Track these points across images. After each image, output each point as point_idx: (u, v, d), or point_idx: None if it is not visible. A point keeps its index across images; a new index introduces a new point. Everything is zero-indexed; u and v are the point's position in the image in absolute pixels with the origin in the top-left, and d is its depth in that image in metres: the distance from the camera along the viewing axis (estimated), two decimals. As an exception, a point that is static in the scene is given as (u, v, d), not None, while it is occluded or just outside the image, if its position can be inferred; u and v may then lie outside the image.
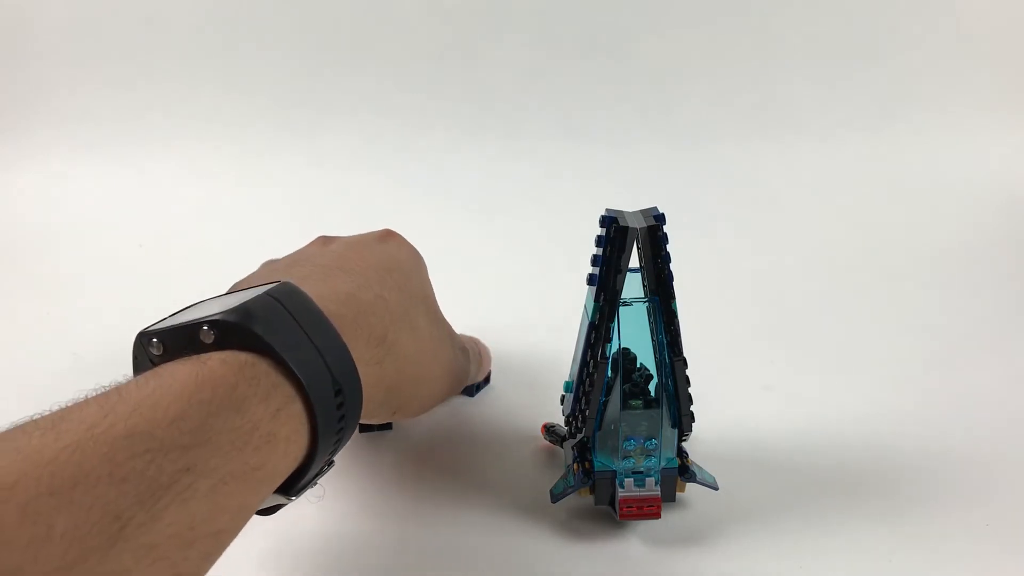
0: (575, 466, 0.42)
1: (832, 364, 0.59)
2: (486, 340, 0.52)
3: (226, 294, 0.35)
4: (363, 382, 0.33)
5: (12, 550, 0.22)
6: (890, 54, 0.91)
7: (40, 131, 0.90)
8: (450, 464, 0.46)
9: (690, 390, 0.41)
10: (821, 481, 0.46)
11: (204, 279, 0.72)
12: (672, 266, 0.39)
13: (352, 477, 0.47)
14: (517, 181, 0.87)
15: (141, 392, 0.27)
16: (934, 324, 0.64)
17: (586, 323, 0.40)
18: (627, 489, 0.41)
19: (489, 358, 0.52)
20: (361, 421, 0.35)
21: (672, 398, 0.40)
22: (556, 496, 0.42)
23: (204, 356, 0.30)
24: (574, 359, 0.43)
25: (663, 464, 0.41)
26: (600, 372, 0.39)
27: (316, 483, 0.33)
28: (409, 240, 0.45)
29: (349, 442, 0.49)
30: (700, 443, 0.48)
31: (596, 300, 0.39)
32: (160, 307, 0.70)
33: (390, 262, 0.40)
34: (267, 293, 0.31)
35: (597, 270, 0.39)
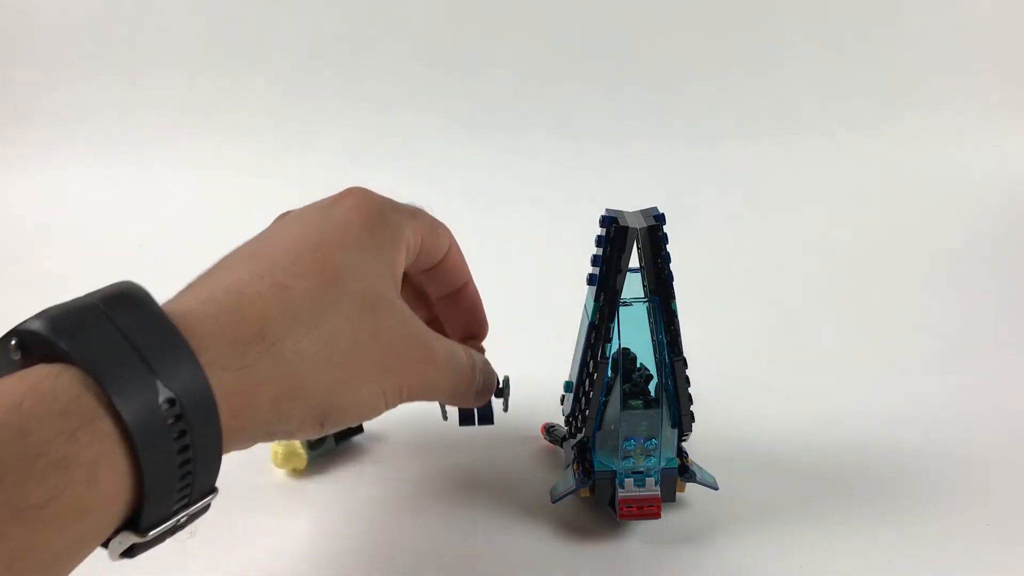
0: (575, 466, 0.42)
1: (832, 364, 0.59)
2: (486, 340, 0.52)
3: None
4: (224, 391, 0.28)
5: None
6: (890, 54, 0.91)
7: (40, 131, 0.90)
8: (450, 464, 0.46)
9: (690, 390, 0.41)
10: (821, 481, 0.46)
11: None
12: (672, 266, 0.39)
13: (351, 478, 0.47)
14: (517, 181, 0.87)
15: None
16: (934, 324, 0.64)
17: (586, 323, 0.40)
18: (627, 489, 0.41)
19: (492, 379, 0.43)
20: (278, 438, 0.32)
21: (672, 398, 0.40)
22: (556, 496, 0.42)
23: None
24: (574, 359, 0.42)
25: (663, 464, 0.41)
26: (600, 372, 0.39)
27: (185, 519, 0.28)
28: (382, 194, 0.39)
29: (349, 443, 0.49)
30: (700, 443, 0.48)
31: (596, 300, 0.39)
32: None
33: (321, 234, 0.34)
34: (90, 295, 0.28)
35: (597, 270, 0.39)
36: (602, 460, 0.41)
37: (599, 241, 0.39)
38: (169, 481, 0.27)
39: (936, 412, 0.53)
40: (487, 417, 0.46)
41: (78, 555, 0.25)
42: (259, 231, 0.38)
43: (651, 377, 0.42)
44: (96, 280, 0.76)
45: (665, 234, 0.39)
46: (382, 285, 0.35)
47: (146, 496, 0.26)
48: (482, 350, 0.45)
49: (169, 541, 0.28)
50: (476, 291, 0.45)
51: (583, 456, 0.42)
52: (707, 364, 0.45)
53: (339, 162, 0.90)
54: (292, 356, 0.31)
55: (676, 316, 0.40)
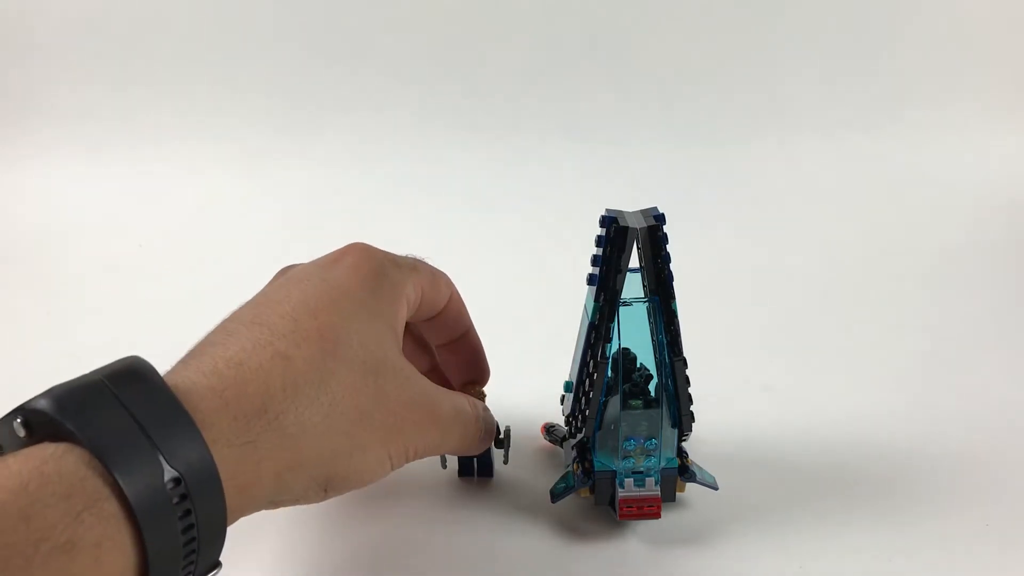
0: (575, 466, 0.42)
1: (832, 364, 0.59)
2: (486, 340, 0.52)
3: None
4: (228, 467, 0.28)
5: None
6: (891, 54, 0.91)
7: (40, 131, 0.90)
8: (449, 464, 0.46)
9: (690, 390, 0.41)
10: (821, 481, 0.46)
11: (204, 279, 0.73)
12: (672, 266, 0.39)
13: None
14: (517, 181, 0.87)
15: None
16: (934, 324, 0.64)
17: (586, 323, 0.40)
18: (627, 489, 0.41)
19: (492, 427, 0.43)
20: (282, 506, 0.32)
21: (672, 398, 0.40)
22: (556, 496, 0.42)
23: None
24: (574, 359, 0.43)
25: (663, 464, 0.41)
26: (600, 372, 0.39)
27: None
28: (383, 249, 0.39)
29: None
30: (700, 443, 0.48)
31: (596, 300, 0.39)
32: (160, 307, 0.71)
33: (320, 298, 0.34)
34: (96, 372, 0.28)
35: (597, 270, 0.39)
36: (602, 460, 0.41)
37: (599, 241, 0.39)
38: (174, 559, 0.27)
39: (936, 412, 0.53)
40: (487, 468, 0.46)
41: None
42: (261, 288, 0.38)
43: (651, 377, 0.42)
44: (96, 280, 0.76)
45: (665, 234, 0.39)
46: (383, 347, 0.35)
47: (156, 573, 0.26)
48: (483, 396, 0.45)
49: None
50: (477, 338, 0.45)
51: (583, 456, 0.42)
52: (707, 364, 0.45)
53: (339, 163, 0.90)
54: (294, 429, 0.31)
55: (676, 316, 0.40)
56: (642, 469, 0.41)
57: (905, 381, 0.56)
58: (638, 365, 0.42)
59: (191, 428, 0.27)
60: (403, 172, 0.89)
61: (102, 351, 0.63)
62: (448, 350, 0.44)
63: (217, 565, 0.29)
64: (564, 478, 0.43)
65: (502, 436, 0.45)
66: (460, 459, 0.46)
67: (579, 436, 0.42)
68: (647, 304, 0.40)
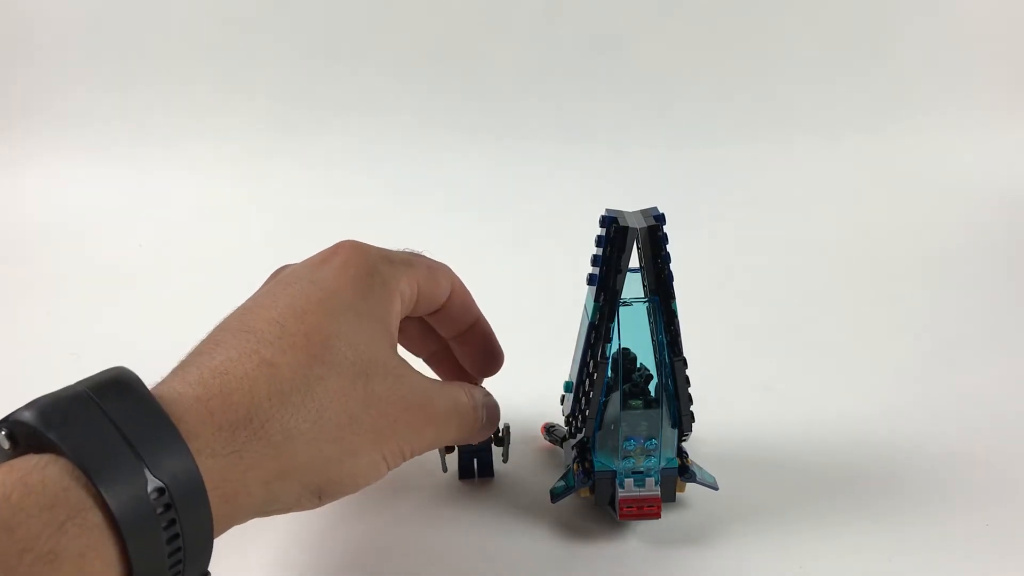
0: (575, 466, 0.42)
1: (832, 364, 0.59)
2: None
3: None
4: (213, 476, 0.28)
5: None
6: (890, 54, 0.91)
7: (40, 132, 0.90)
8: (449, 464, 0.46)
9: (690, 390, 0.41)
10: (821, 481, 0.46)
11: (204, 279, 0.73)
12: (672, 266, 0.39)
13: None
14: (517, 181, 0.87)
15: None
16: (934, 324, 0.64)
17: (586, 323, 0.40)
18: (627, 489, 0.41)
19: (495, 413, 0.42)
20: (276, 513, 0.32)
21: (672, 398, 0.40)
22: (556, 496, 0.42)
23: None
24: (574, 359, 0.42)
25: (663, 464, 0.41)
26: (600, 372, 0.39)
27: None
28: (375, 245, 0.38)
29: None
30: (700, 443, 0.48)
31: (596, 300, 0.39)
32: (160, 307, 0.71)
33: (308, 300, 0.34)
34: (80, 383, 0.28)
35: (597, 270, 0.39)
36: (602, 460, 0.41)
37: (599, 241, 0.39)
38: (159, 569, 0.27)
39: (936, 412, 0.53)
40: (487, 468, 0.46)
41: None
42: (254, 292, 0.37)
43: (651, 377, 0.42)
44: (96, 280, 0.76)
45: (665, 234, 0.39)
46: (374, 346, 0.34)
47: None
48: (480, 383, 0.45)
49: None
50: (487, 327, 0.44)
51: (583, 456, 0.42)
52: (707, 364, 0.45)
53: (339, 163, 0.90)
54: (281, 437, 0.30)
55: (676, 316, 0.40)
56: (642, 469, 0.41)
57: (905, 381, 0.56)
58: (638, 365, 0.42)
59: (175, 438, 0.27)
60: (403, 172, 0.89)
61: (102, 351, 0.63)
62: (459, 341, 0.44)
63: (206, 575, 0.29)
64: (564, 478, 0.43)
65: (501, 434, 0.45)
66: (460, 461, 0.46)
67: (579, 436, 0.42)
68: (647, 304, 0.40)
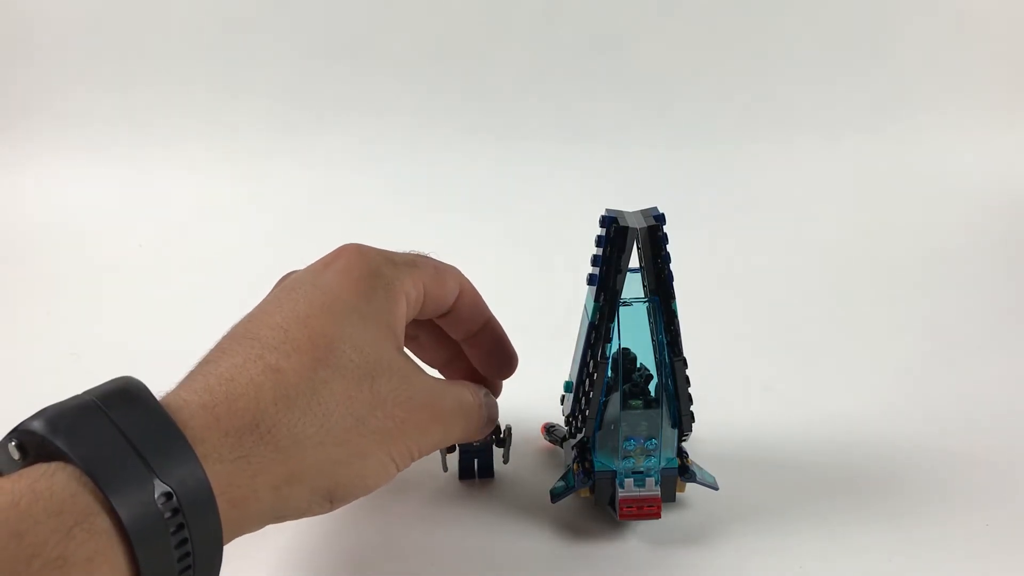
0: (575, 466, 0.42)
1: (832, 364, 0.59)
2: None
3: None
4: (221, 482, 0.28)
5: None
6: (890, 54, 0.91)
7: (40, 132, 0.90)
8: (450, 464, 0.46)
9: (690, 390, 0.41)
10: (821, 481, 0.46)
11: (204, 279, 0.73)
12: (672, 266, 0.39)
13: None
14: (517, 181, 0.87)
15: None
16: (934, 324, 0.64)
17: (586, 323, 0.40)
18: (627, 489, 0.41)
19: (495, 411, 0.43)
20: (288, 519, 0.32)
21: (672, 398, 0.40)
22: (556, 496, 0.42)
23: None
24: (574, 359, 0.43)
25: (663, 464, 0.41)
26: (600, 372, 0.39)
27: None
28: (379, 248, 0.38)
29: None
30: (700, 443, 0.48)
31: (596, 300, 0.39)
32: (160, 307, 0.71)
33: (311, 305, 0.34)
34: (88, 392, 0.28)
35: (597, 270, 0.39)
36: (602, 460, 0.41)
37: (599, 241, 0.39)
38: (167, 564, 0.27)
39: (936, 412, 0.53)
40: (487, 469, 0.46)
41: None
42: (263, 297, 0.37)
43: (651, 377, 0.42)
44: (95, 280, 0.76)
45: (665, 234, 0.39)
46: (379, 348, 0.34)
47: None
48: (498, 388, 0.45)
49: None
50: (499, 328, 0.44)
51: (583, 456, 0.42)
52: (707, 364, 0.45)
53: (340, 163, 0.90)
54: (288, 442, 0.30)
55: (676, 316, 0.40)
56: (642, 469, 0.41)
57: (905, 381, 0.56)
58: (638, 365, 0.42)
59: (182, 444, 0.28)
60: (404, 172, 0.89)
61: (102, 351, 0.63)
62: (471, 343, 0.44)
63: None
64: (564, 478, 0.43)
65: (503, 435, 0.45)
66: (460, 461, 0.46)
67: (579, 436, 0.42)
68: (647, 304, 0.40)
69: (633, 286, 0.40)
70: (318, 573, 0.40)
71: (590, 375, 0.40)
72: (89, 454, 0.26)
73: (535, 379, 0.46)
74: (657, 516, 0.41)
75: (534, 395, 0.48)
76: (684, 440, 0.43)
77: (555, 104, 0.91)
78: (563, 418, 0.45)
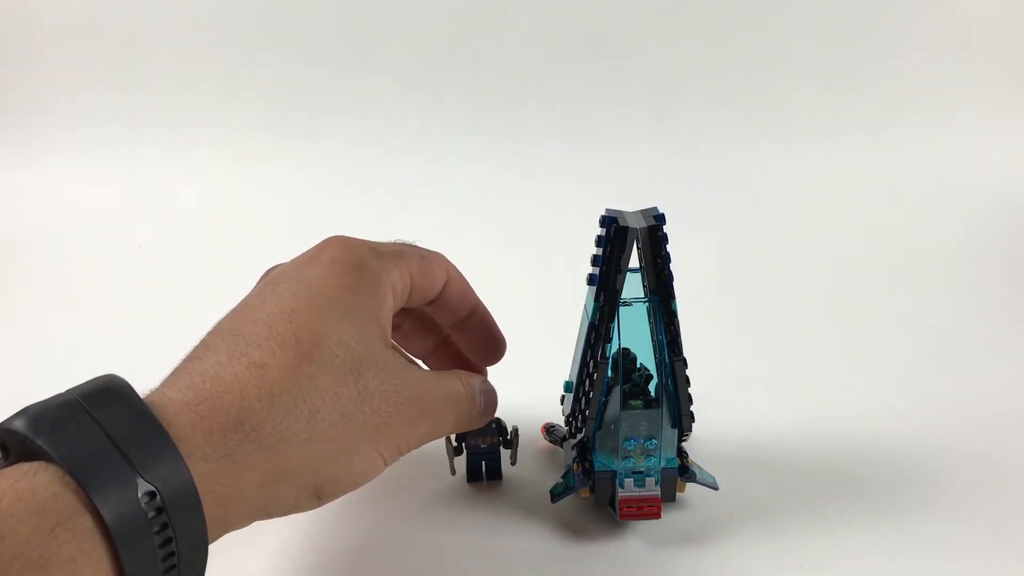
0: (575, 466, 0.42)
1: (832, 364, 0.59)
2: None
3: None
4: (206, 480, 0.28)
5: None
6: (891, 54, 0.91)
7: (40, 131, 0.91)
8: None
9: (690, 390, 0.41)
10: (821, 481, 0.46)
11: (203, 279, 0.73)
12: (672, 266, 0.39)
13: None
14: (517, 181, 0.87)
15: None
16: (934, 324, 0.64)
17: (586, 323, 0.40)
18: (627, 489, 0.41)
19: (493, 398, 0.42)
20: (276, 515, 0.32)
21: (672, 398, 0.40)
22: (556, 496, 0.42)
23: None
24: (574, 359, 0.42)
25: (663, 464, 0.41)
26: (600, 372, 0.39)
27: None
28: (364, 239, 0.37)
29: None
30: (700, 443, 0.48)
31: (596, 300, 0.39)
32: (159, 306, 0.71)
33: (296, 299, 0.33)
34: (71, 391, 0.28)
35: (597, 270, 0.39)
36: (602, 460, 0.41)
37: (599, 241, 0.39)
38: (152, 574, 0.27)
39: (936, 412, 0.53)
40: (496, 472, 0.46)
41: None
42: (244, 295, 0.36)
43: (651, 377, 0.42)
44: (95, 280, 0.76)
45: (665, 234, 0.39)
46: (365, 342, 0.34)
47: None
48: (484, 375, 0.45)
49: None
50: (487, 314, 0.44)
51: (583, 456, 0.42)
52: (707, 364, 0.45)
53: (339, 163, 0.90)
54: (274, 439, 0.30)
55: (676, 316, 0.40)
56: (642, 469, 0.41)
57: (905, 381, 0.56)
58: (638, 365, 0.42)
59: (166, 443, 0.27)
60: (403, 172, 0.89)
61: (102, 351, 0.63)
62: (459, 329, 0.43)
63: None
64: (564, 478, 0.43)
65: (510, 437, 0.45)
66: (468, 464, 0.46)
67: (579, 436, 0.42)
68: (647, 304, 0.40)
69: (633, 286, 0.40)
70: (325, 574, 0.40)
71: (590, 375, 0.40)
72: (71, 453, 0.26)
73: (535, 379, 0.46)
74: (657, 516, 0.41)
75: (534, 395, 0.48)
76: (684, 440, 0.43)
77: (555, 104, 0.91)
78: (563, 418, 0.45)
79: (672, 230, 0.39)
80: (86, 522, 0.25)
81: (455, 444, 0.45)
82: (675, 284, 0.40)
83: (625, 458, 0.41)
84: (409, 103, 0.91)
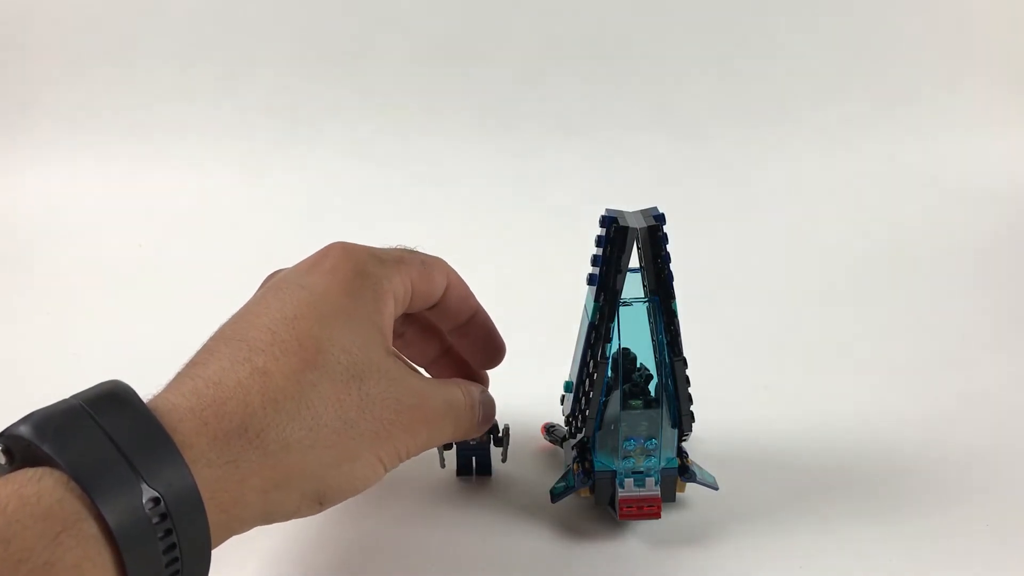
0: (575, 466, 0.42)
1: (832, 364, 0.59)
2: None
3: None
4: (209, 486, 0.28)
5: None
6: (890, 53, 0.91)
7: (40, 131, 0.90)
8: (449, 464, 0.46)
9: (690, 390, 0.41)
10: (821, 481, 0.46)
11: (203, 279, 0.73)
12: (672, 266, 0.39)
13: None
14: (517, 181, 0.87)
15: None
16: (934, 323, 0.64)
17: (586, 323, 0.40)
18: (627, 489, 0.41)
19: (492, 409, 0.42)
20: (278, 520, 0.32)
21: (672, 398, 0.40)
22: (556, 496, 0.42)
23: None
24: (574, 359, 0.43)
25: (663, 464, 0.41)
26: (600, 372, 0.39)
27: None
28: (365, 245, 0.38)
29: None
30: (700, 443, 0.48)
31: (596, 300, 0.39)
32: (159, 306, 0.71)
33: (299, 306, 0.34)
34: (75, 396, 0.28)
35: (597, 270, 0.39)
36: (602, 460, 0.41)
37: (599, 241, 0.39)
38: (155, 567, 0.27)
39: (936, 411, 0.53)
40: (485, 467, 0.46)
41: None
42: (245, 300, 0.37)
43: (651, 377, 0.42)
44: (95, 280, 0.76)
45: (665, 234, 0.39)
46: (367, 349, 0.34)
47: None
48: (486, 379, 0.45)
49: None
50: (487, 318, 0.44)
51: (583, 456, 0.42)
52: (707, 364, 0.45)
53: (339, 163, 0.90)
54: (277, 446, 0.30)
55: (676, 316, 0.40)
56: (642, 469, 0.41)
57: (905, 381, 0.56)
58: (638, 365, 0.42)
59: (170, 449, 0.27)
60: (403, 172, 0.89)
61: (102, 351, 0.63)
62: (459, 334, 0.44)
63: None
64: (564, 478, 0.43)
65: (501, 434, 0.45)
66: (459, 458, 0.46)
67: (579, 436, 0.42)
68: (647, 304, 0.40)
69: (633, 286, 0.40)
70: (315, 573, 0.40)
71: (590, 375, 0.40)
72: (76, 459, 0.26)
73: (535, 379, 0.46)
74: (657, 516, 0.41)
75: (534, 395, 0.48)
76: (684, 440, 0.43)
77: (555, 104, 0.91)
78: (563, 418, 0.45)
79: (672, 230, 0.39)
80: (91, 528, 0.25)
81: None
82: (675, 284, 0.40)
83: (625, 458, 0.41)
84: (409, 102, 0.91)
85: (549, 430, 0.48)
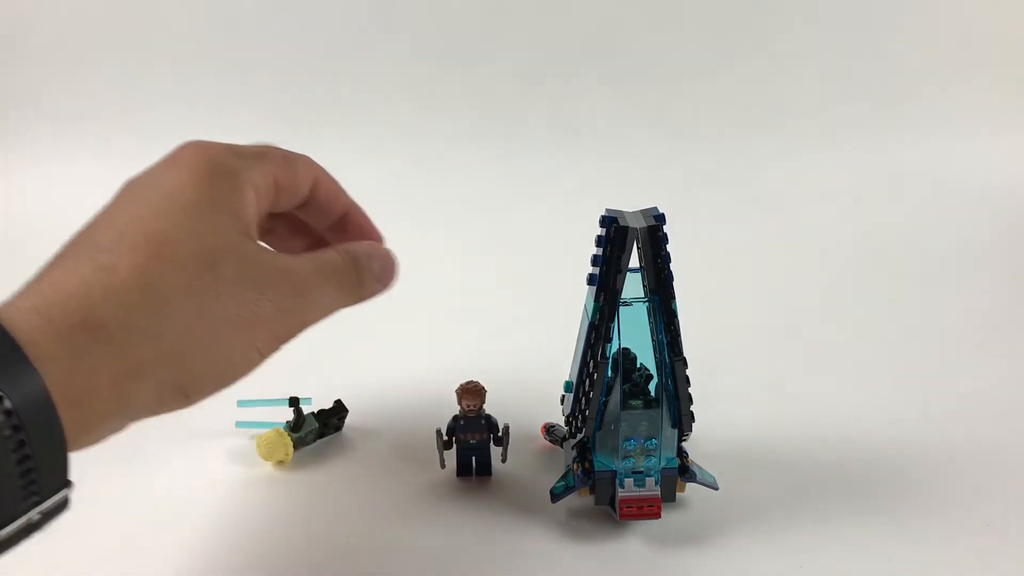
0: (575, 466, 0.42)
1: (832, 364, 0.59)
2: (486, 339, 0.52)
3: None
4: (57, 382, 0.28)
5: None
6: (891, 54, 0.91)
7: (40, 131, 0.90)
8: (450, 464, 0.46)
9: (690, 390, 0.41)
10: (821, 481, 0.46)
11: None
12: (672, 266, 0.39)
13: (352, 475, 0.47)
14: (517, 181, 0.87)
15: None
16: (934, 324, 0.64)
17: (586, 323, 0.40)
18: (627, 489, 0.41)
19: (388, 262, 0.39)
20: (142, 417, 0.32)
21: (672, 398, 0.40)
22: (556, 496, 0.42)
23: None
24: (574, 359, 0.43)
25: (663, 464, 0.41)
26: (600, 372, 0.39)
27: (39, 517, 0.28)
28: (222, 142, 0.37)
29: (343, 438, 0.49)
30: (700, 443, 0.48)
31: (596, 300, 0.39)
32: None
33: (148, 205, 0.33)
34: None
35: (597, 270, 0.39)
36: (602, 460, 0.41)
37: (599, 241, 0.39)
38: (8, 480, 0.27)
39: (936, 412, 0.53)
40: (485, 467, 0.46)
41: None
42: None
43: (651, 377, 0.42)
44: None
45: (665, 234, 0.39)
46: (220, 235, 0.33)
47: None
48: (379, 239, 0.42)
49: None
50: (361, 215, 0.42)
51: (583, 456, 0.42)
52: (707, 364, 0.45)
53: (339, 163, 0.89)
54: (121, 336, 0.30)
55: (676, 316, 0.40)
56: (642, 469, 0.41)
57: (905, 381, 0.56)
58: (638, 365, 0.42)
59: (12, 347, 0.28)
60: (403, 172, 0.89)
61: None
62: (333, 231, 0.42)
63: (67, 484, 0.29)
64: (564, 478, 0.43)
65: (500, 434, 0.45)
66: (459, 458, 0.46)
67: (579, 436, 0.42)
68: (647, 304, 0.40)
69: (633, 286, 0.40)
70: (309, 571, 0.40)
71: (590, 375, 0.40)
72: None
73: (535, 379, 0.46)
74: (657, 516, 0.41)
75: (534, 395, 0.48)
76: (684, 440, 0.43)
77: (555, 105, 0.91)
78: (563, 418, 0.45)
79: (672, 230, 0.39)
80: None
81: (445, 438, 0.45)
82: (675, 284, 0.40)
83: (625, 458, 0.41)
84: (409, 104, 0.91)
85: (549, 430, 0.48)
